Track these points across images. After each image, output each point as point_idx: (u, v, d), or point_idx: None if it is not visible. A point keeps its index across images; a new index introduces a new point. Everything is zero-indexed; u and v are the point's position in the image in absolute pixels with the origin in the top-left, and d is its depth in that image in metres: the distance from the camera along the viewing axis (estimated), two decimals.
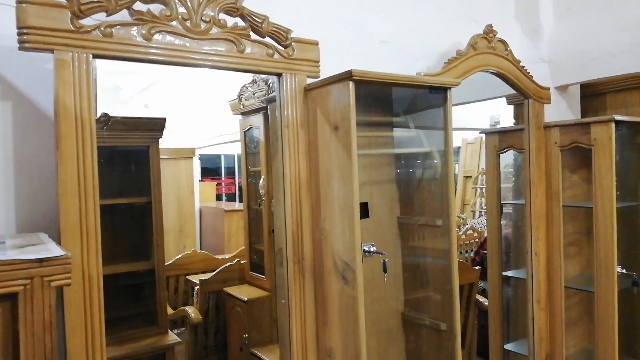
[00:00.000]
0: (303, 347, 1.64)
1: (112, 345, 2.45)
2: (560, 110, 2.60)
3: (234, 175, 7.66)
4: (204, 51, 1.52)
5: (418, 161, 1.96)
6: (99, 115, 2.12)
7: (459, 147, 7.57)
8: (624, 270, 2.20)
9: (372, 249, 1.59)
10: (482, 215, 6.25)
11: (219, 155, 7.64)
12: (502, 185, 2.60)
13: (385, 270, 1.66)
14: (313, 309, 1.67)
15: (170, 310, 3.38)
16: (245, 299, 3.28)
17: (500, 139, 2.55)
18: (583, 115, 2.71)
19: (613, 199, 2.12)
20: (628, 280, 2.25)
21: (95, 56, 1.37)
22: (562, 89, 2.61)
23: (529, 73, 2.32)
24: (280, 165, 1.72)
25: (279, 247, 1.77)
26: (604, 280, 2.12)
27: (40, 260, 0.92)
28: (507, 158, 2.68)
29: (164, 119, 2.73)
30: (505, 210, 2.67)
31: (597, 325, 2.16)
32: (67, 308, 1.26)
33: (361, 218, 1.54)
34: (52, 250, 0.99)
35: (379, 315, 1.89)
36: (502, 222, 2.62)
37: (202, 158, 6.21)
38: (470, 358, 3.60)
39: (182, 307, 3.50)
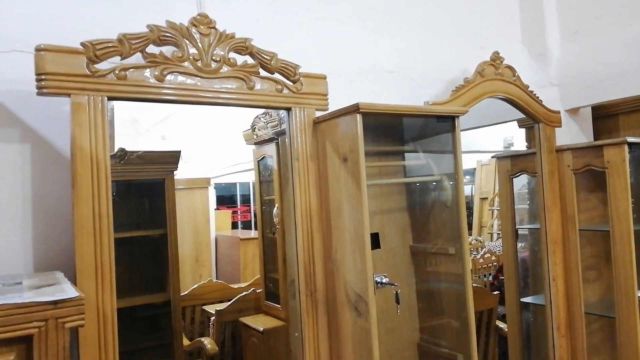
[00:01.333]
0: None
1: None
2: (572, 133, 2.59)
3: (250, 202, 7.72)
4: (215, 89, 1.57)
5: (429, 189, 1.96)
6: (116, 150, 2.18)
7: (474, 169, 7.53)
8: None
9: (384, 280, 1.59)
10: (499, 238, 6.15)
11: (235, 184, 7.73)
12: (517, 206, 2.57)
13: (398, 302, 1.65)
14: (327, 341, 1.66)
15: (186, 341, 3.38)
16: (261, 329, 3.27)
17: (512, 163, 2.54)
18: (596, 136, 2.69)
19: (630, 222, 2.08)
20: None
21: (110, 98, 1.42)
22: (573, 111, 2.60)
23: (538, 97, 2.32)
24: (291, 197, 1.74)
25: (292, 278, 1.78)
26: (625, 305, 2.07)
27: (55, 302, 0.94)
28: (521, 181, 2.67)
29: (179, 152, 2.79)
30: (521, 232, 2.64)
31: (620, 351, 2.10)
32: (82, 346, 1.28)
33: (372, 249, 1.54)
34: (67, 291, 1.01)
35: (394, 346, 1.86)
36: (518, 245, 2.58)
37: (218, 187, 6.29)
38: None
39: (198, 339, 3.49)
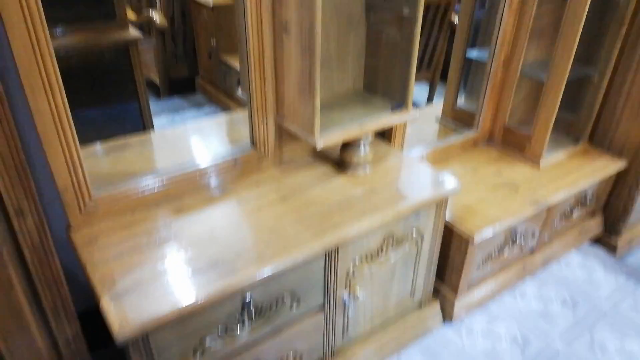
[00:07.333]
0: (258, 19, 1.60)
1: (67, 35, 2.39)
2: None
3: None
4: None
5: None
6: None
7: None
8: None
9: None
10: None
11: None
12: None
13: None
14: None
15: (133, 15, 3.24)
16: (211, 5, 3.14)
17: None
18: None
19: None
20: None
21: None
22: None
23: None
24: None
25: None
26: None
27: None
28: None
29: None
30: None
31: (562, 32, 2.15)
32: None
33: None
34: None
35: (341, 2, 1.80)
36: None
37: None
38: (434, 78, 3.74)
39: (146, 14, 3.35)
